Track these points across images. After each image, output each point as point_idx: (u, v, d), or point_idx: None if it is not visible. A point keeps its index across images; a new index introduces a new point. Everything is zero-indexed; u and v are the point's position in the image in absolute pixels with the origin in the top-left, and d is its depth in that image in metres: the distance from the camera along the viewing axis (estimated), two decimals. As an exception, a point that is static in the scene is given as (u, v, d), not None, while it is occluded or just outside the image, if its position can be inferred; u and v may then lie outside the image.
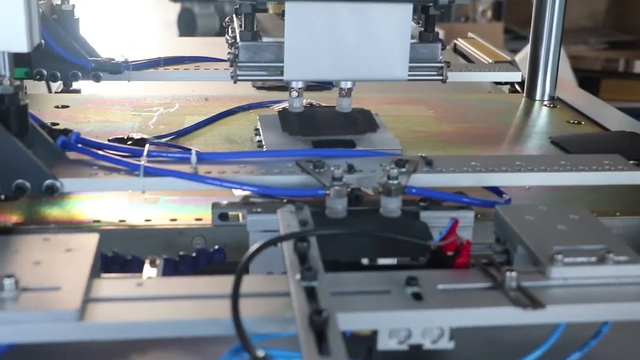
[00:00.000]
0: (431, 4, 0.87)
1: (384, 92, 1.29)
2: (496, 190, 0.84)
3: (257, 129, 1.04)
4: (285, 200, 0.81)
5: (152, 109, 1.17)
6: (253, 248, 0.59)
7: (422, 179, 0.79)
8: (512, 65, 1.38)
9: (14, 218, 0.79)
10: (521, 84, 1.40)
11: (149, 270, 0.63)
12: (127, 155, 0.80)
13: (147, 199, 0.84)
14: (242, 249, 0.74)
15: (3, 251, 0.60)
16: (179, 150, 0.93)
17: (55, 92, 1.32)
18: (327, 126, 0.96)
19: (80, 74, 1.09)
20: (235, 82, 0.88)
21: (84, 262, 0.59)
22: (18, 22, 0.69)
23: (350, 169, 0.80)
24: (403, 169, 0.77)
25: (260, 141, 0.99)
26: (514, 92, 1.40)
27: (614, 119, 1.18)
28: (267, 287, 0.58)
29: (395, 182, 0.72)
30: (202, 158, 0.80)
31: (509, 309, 0.55)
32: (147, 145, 0.82)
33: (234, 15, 1.03)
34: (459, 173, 0.81)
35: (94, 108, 1.17)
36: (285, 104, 1.18)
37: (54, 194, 0.75)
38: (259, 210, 0.75)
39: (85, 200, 0.84)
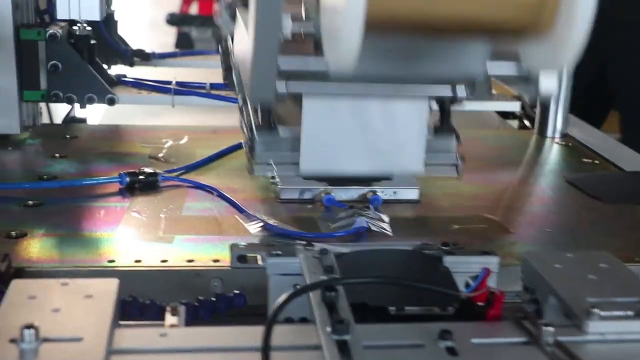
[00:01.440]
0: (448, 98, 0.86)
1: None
2: None
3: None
4: (305, 243, 0.80)
5: (160, 140, 1.16)
6: (281, 299, 0.57)
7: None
8: (519, 100, 1.36)
9: (26, 257, 0.76)
10: (530, 118, 1.40)
11: (170, 319, 0.61)
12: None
13: (162, 237, 0.82)
14: (261, 292, 0.72)
15: (20, 297, 0.58)
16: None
17: (63, 122, 1.31)
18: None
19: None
20: (251, 175, 0.88)
21: (105, 310, 0.57)
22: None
23: None
24: None
25: (274, 177, 0.98)
26: (523, 128, 1.39)
27: (628, 158, 1.17)
28: (296, 339, 0.56)
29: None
30: (214, 87, 1.25)
31: (547, 366, 0.54)
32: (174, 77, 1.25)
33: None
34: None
35: (103, 139, 1.16)
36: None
37: (113, 104, 1.16)
38: (279, 252, 0.73)
39: (99, 238, 0.81)
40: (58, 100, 1.14)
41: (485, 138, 1.29)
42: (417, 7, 0.60)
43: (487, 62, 0.75)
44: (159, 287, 0.74)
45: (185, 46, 4.35)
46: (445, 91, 0.83)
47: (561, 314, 0.62)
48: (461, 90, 0.83)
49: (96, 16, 1.10)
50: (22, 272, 0.73)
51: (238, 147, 1.13)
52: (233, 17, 0.91)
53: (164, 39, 5.29)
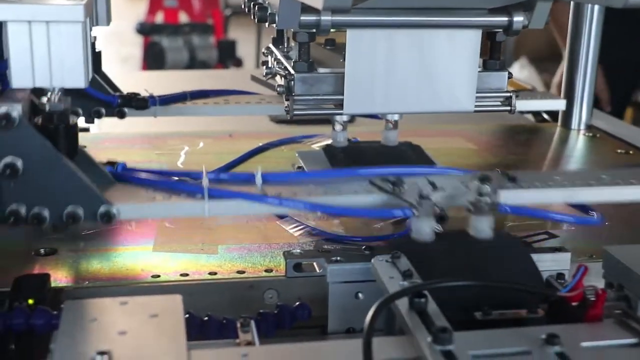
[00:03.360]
0: (500, 30, 0.81)
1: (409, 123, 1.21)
2: (583, 208, 0.78)
3: (299, 167, 0.97)
4: (364, 247, 0.74)
5: (175, 146, 1.09)
6: (372, 310, 0.51)
7: (509, 197, 0.72)
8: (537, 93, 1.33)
9: (61, 276, 0.70)
10: (549, 111, 1.35)
11: (243, 335, 0.55)
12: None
13: (205, 248, 0.76)
14: (319, 303, 0.67)
15: (79, 319, 0.52)
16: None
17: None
18: (380, 162, 0.89)
19: (103, 110, 0.99)
20: (291, 118, 0.81)
21: (176, 330, 0.51)
22: (76, 59, 0.63)
23: (433, 187, 0.73)
24: (490, 186, 0.70)
25: (300, 167, 0.92)
26: (542, 121, 1.35)
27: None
28: (395, 352, 0.51)
29: (487, 199, 0.68)
30: (268, 179, 0.71)
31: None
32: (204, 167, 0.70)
33: (271, 46, 0.95)
34: (546, 189, 0.73)
35: (114, 148, 1.09)
36: (318, 139, 1.11)
37: (110, 222, 0.65)
38: (338, 259, 0.68)
39: (136, 252, 0.75)
40: (19, 221, 0.63)
41: (508, 131, 1.24)
42: None
43: None
44: (210, 302, 0.68)
45: (156, 56, 4.24)
46: (501, 19, 0.77)
47: (656, 311, 0.58)
48: (518, 18, 0.77)
49: (81, 82, 0.64)
50: (61, 293, 0.66)
51: (261, 149, 1.08)
52: None
53: (129, 50, 5.17)
